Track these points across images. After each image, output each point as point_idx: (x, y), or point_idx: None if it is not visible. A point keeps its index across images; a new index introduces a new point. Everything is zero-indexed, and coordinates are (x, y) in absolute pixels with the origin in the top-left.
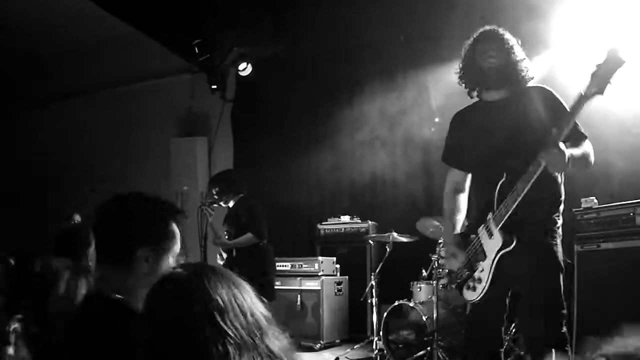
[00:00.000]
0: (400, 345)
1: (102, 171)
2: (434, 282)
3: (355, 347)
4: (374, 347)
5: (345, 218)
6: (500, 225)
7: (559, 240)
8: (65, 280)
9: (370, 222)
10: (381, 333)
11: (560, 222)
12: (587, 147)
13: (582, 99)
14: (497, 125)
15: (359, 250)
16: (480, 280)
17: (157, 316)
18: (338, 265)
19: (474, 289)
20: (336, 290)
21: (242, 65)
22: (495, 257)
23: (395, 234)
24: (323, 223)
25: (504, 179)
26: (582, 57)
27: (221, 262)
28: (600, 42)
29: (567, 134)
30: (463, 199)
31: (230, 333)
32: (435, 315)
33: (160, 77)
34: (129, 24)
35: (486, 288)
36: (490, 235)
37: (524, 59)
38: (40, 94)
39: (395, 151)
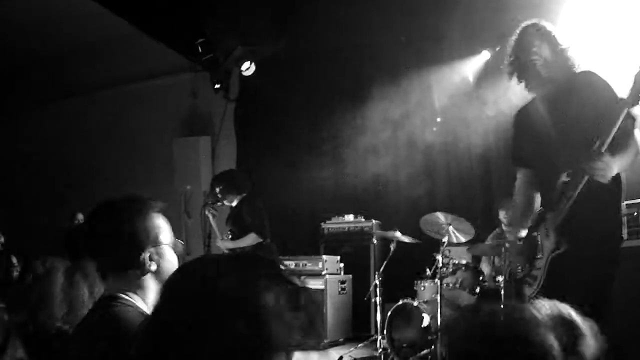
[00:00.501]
0: (404, 345)
1: (104, 171)
2: (438, 281)
3: (359, 345)
4: (378, 345)
5: (349, 217)
6: (554, 227)
7: (611, 244)
8: (62, 280)
9: (374, 221)
10: (385, 332)
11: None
12: (632, 143)
13: (622, 109)
14: (550, 121)
15: (362, 249)
16: (535, 277)
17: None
18: (342, 264)
19: (530, 285)
20: (340, 289)
21: (245, 65)
22: (548, 257)
23: (398, 233)
24: (327, 222)
25: (563, 176)
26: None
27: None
28: (605, 42)
29: (611, 141)
30: (535, 196)
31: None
32: (439, 315)
33: (163, 76)
34: (131, 23)
35: (540, 285)
36: (547, 235)
37: (567, 47)
38: (41, 94)
39: (398, 151)
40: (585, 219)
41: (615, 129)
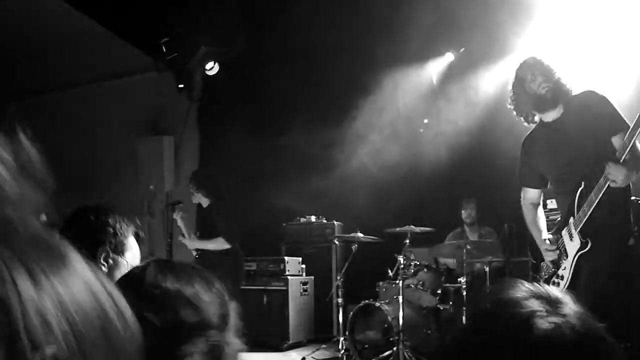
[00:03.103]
0: (367, 345)
1: (67, 171)
2: (400, 282)
3: (322, 347)
4: (340, 347)
5: (311, 218)
6: (578, 229)
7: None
8: None
9: (335, 222)
10: (347, 333)
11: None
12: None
13: None
14: (563, 141)
15: (324, 250)
16: (562, 277)
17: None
18: (304, 266)
19: (558, 284)
20: (302, 290)
21: (209, 65)
22: (574, 257)
23: (360, 234)
24: (289, 223)
25: (582, 187)
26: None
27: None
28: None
29: (631, 149)
30: (540, 210)
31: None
32: (401, 315)
33: (127, 75)
34: (95, 21)
35: (567, 285)
36: (571, 237)
37: (562, 75)
38: (2, 92)
39: (363, 151)
40: (606, 220)
41: (634, 139)
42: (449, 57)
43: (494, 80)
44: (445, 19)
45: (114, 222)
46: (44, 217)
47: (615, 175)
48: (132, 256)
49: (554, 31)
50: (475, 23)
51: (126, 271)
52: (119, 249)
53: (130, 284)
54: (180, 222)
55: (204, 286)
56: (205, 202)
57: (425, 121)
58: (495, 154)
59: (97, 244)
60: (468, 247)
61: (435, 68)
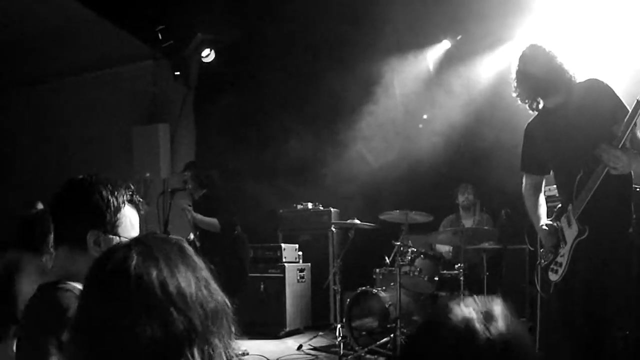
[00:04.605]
0: (364, 332)
1: (63, 159)
2: (397, 268)
3: (319, 334)
4: (337, 334)
5: (308, 205)
6: (577, 216)
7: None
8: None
9: (332, 209)
10: (344, 320)
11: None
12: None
13: (637, 108)
14: (564, 128)
15: (321, 237)
16: (560, 264)
17: (95, 294)
18: (300, 253)
19: (556, 271)
20: (299, 278)
21: (205, 52)
22: (572, 244)
23: (357, 221)
24: (285, 210)
25: (581, 174)
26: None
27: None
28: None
29: (630, 136)
30: (541, 197)
31: (175, 316)
32: (398, 302)
33: (123, 63)
34: (92, 10)
35: (565, 271)
36: (570, 224)
37: (564, 61)
38: None
39: (359, 139)
40: (604, 207)
41: (631, 126)
42: (445, 45)
43: (491, 68)
44: (442, 5)
45: (104, 199)
46: (40, 205)
47: (609, 159)
48: (128, 225)
49: (551, 18)
50: (473, 10)
51: None
52: (111, 228)
53: (115, 277)
54: (188, 215)
55: (188, 275)
56: (199, 192)
57: (425, 116)
58: (492, 142)
59: (86, 226)
60: (464, 233)
61: (432, 55)
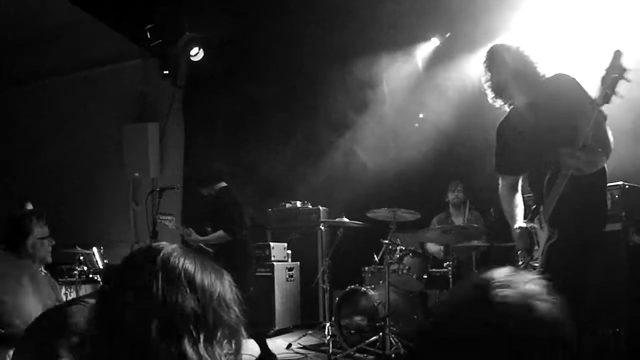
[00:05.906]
0: (353, 331)
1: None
2: (385, 267)
3: (308, 333)
4: (327, 332)
5: (297, 203)
6: (547, 218)
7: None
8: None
9: (321, 208)
10: (333, 319)
11: (605, 215)
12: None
13: (594, 109)
14: (532, 128)
15: (310, 236)
16: (534, 267)
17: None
18: (289, 251)
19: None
20: (288, 276)
21: (194, 50)
22: (544, 247)
23: (346, 219)
24: (274, 208)
25: (548, 175)
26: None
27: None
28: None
29: (591, 134)
30: (518, 197)
31: (188, 294)
32: (387, 301)
33: (112, 62)
34: (79, 8)
35: (539, 274)
36: (542, 227)
37: (536, 60)
38: None
39: (348, 137)
40: (572, 211)
41: (589, 127)
42: (434, 42)
43: (480, 65)
44: (430, 3)
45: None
46: (29, 205)
47: (570, 164)
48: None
49: (540, 15)
50: (461, 7)
51: None
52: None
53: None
54: (170, 225)
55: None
56: (206, 191)
57: (421, 115)
58: (481, 139)
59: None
60: (454, 231)
61: (421, 53)
